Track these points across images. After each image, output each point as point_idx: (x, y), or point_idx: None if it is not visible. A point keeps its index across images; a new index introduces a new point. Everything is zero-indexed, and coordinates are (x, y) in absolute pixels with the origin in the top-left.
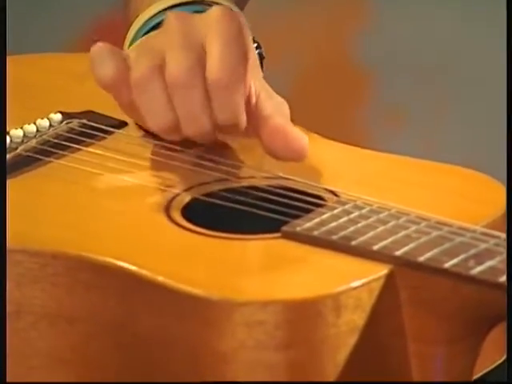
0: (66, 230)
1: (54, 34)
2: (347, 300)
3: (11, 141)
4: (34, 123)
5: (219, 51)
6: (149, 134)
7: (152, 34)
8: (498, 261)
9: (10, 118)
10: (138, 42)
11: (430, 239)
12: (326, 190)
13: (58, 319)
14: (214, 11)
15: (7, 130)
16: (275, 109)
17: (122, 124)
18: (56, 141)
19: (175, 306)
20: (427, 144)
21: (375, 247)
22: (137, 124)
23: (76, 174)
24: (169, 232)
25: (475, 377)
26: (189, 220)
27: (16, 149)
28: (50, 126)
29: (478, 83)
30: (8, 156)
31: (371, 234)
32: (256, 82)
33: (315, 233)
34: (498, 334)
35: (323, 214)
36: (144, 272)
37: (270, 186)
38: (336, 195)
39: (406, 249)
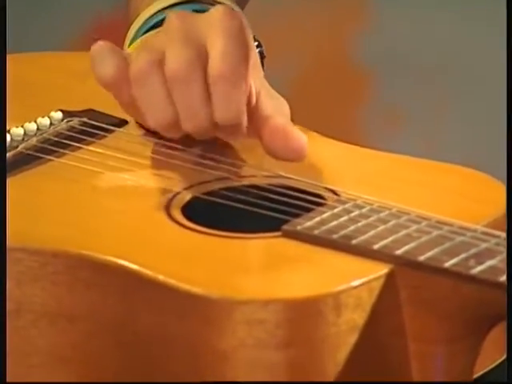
0: (67, 229)
1: (55, 34)
2: (347, 299)
3: (12, 139)
4: (35, 121)
5: (221, 49)
6: (149, 132)
7: (153, 32)
8: (499, 260)
9: (10, 116)
10: (139, 40)
11: (430, 238)
12: (326, 188)
13: (59, 317)
14: (215, 10)
15: (8, 128)
16: (275, 108)
17: (122, 122)
18: (56, 139)
19: (175, 305)
20: (427, 144)
21: (375, 246)
22: (137, 122)
23: (76, 172)
24: (169, 231)
25: (475, 376)
26: (189, 219)
27: (17, 147)
28: (51, 124)
29: (478, 83)
30: (9, 154)
31: (372, 233)
32: (256, 81)
33: (316, 232)
34: (498, 333)
35: (324, 212)
36: (145, 271)
37: (270, 184)
38: (336, 194)
39: (406, 248)
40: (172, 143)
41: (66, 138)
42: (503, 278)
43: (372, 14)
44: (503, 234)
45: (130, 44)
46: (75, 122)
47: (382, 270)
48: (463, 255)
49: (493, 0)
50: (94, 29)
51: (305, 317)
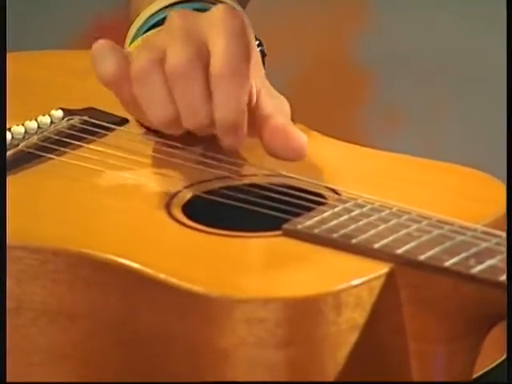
0: (67, 227)
1: (55, 33)
2: (347, 298)
3: (13, 137)
4: (36, 120)
5: (223, 48)
6: (150, 131)
7: (154, 31)
8: (499, 260)
9: (11, 115)
10: (140, 39)
11: (431, 238)
12: (327, 188)
13: (59, 316)
14: (217, 9)
15: (9, 126)
16: (276, 108)
17: (123, 121)
18: (57, 137)
19: (176, 303)
20: (427, 144)
21: (376, 245)
22: (138, 121)
23: (77, 170)
24: (169, 229)
25: (475, 375)
26: (190, 217)
27: (17, 145)
28: (51, 122)
29: (478, 83)
30: (9, 152)
31: (372, 232)
32: (257, 80)
33: (316, 231)
34: (498, 332)
35: (324, 212)
36: (145, 269)
37: (271, 183)
38: (337, 193)
39: (406, 247)
40: (173, 142)
41: (66, 137)
42: (503, 278)
43: (372, 14)
44: (504, 234)
45: (131, 43)
46: (76, 120)
47: (383, 269)
48: (464, 254)
49: (493, 0)
50: (94, 28)
51: (305, 316)
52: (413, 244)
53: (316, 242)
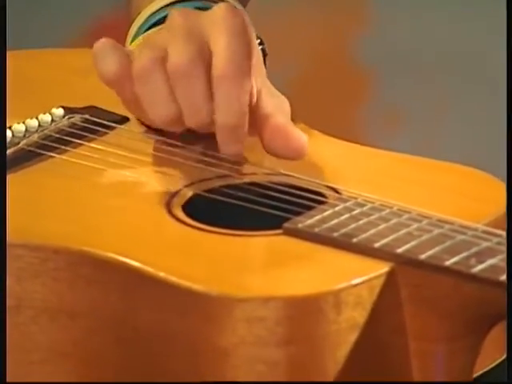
0: (68, 225)
1: (55, 33)
2: (348, 297)
3: (13, 135)
4: (36, 118)
5: (225, 47)
6: (151, 129)
7: (155, 29)
8: (500, 259)
9: (12, 113)
10: (141, 37)
11: (431, 237)
12: (327, 187)
13: (59, 314)
14: (218, 8)
15: (9, 124)
16: (276, 107)
17: (124, 119)
18: (58, 136)
19: (176, 302)
20: (427, 143)
21: (376, 245)
22: (139, 120)
23: (78, 169)
24: (170, 228)
25: (475, 375)
26: (190, 216)
27: (18, 143)
28: (52, 120)
29: (478, 83)
30: (10, 151)
31: (373, 231)
32: (258, 79)
33: (316, 230)
34: (499, 332)
35: (325, 211)
36: (146, 268)
37: (271, 182)
38: (337, 192)
39: (407, 246)
40: (173, 140)
41: (67, 135)
42: (504, 277)
43: (372, 14)
44: (504, 233)
45: (132, 41)
46: (77, 118)
47: (383, 268)
48: (464, 254)
49: (493, 0)
50: (94, 28)
51: (305, 314)
52: (413, 243)
53: (316, 241)
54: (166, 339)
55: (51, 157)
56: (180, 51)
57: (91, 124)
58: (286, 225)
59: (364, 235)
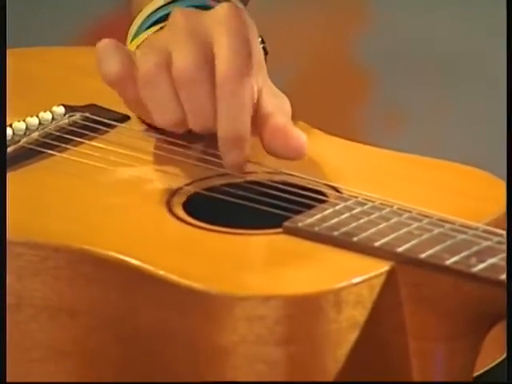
0: (68, 224)
1: (55, 33)
2: (348, 296)
3: (14, 133)
4: (37, 116)
5: (227, 48)
6: (151, 128)
7: (156, 28)
8: (500, 258)
9: (12, 111)
10: (141, 36)
11: (431, 236)
12: (327, 185)
13: (59, 312)
14: (221, 8)
15: (10, 122)
16: (276, 107)
17: (124, 118)
18: (58, 134)
19: (176, 300)
20: (427, 143)
21: (377, 244)
22: (139, 118)
23: (78, 167)
24: (170, 226)
25: (475, 374)
26: (190, 214)
27: (19, 141)
28: (53, 119)
29: (478, 83)
30: (10, 149)
31: (373, 230)
32: (259, 79)
33: (317, 229)
34: (499, 332)
35: (325, 209)
36: (146, 266)
37: (272, 181)
38: (338, 191)
39: (407, 245)
40: (174, 139)
41: (68, 133)
42: (504, 276)
43: (372, 14)
44: (505, 233)
45: (133, 39)
46: (77, 116)
47: (383, 267)
48: (464, 253)
49: (493, 0)
50: (95, 28)
51: (305, 313)
52: (413, 242)
53: (317, 240)
54: (166, 337)
55: (52, 155)
56: (184, 56)
57: (92, 122)
58: (287, 223)
59: (364, 234)
